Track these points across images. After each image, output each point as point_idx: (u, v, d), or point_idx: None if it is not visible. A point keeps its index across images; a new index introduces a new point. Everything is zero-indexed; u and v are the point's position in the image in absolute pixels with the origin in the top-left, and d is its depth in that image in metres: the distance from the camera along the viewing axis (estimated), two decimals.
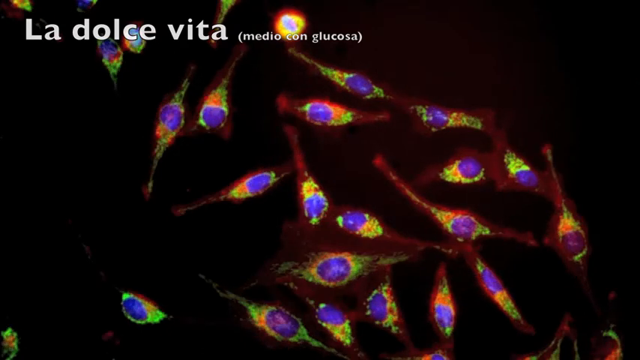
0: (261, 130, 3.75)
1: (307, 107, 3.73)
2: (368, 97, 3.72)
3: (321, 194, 3.71)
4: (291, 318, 3.67)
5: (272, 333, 3.66)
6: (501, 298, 3.67)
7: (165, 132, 3.75)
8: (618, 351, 3.61)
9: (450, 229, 3.67)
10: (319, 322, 3.67)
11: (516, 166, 3.69)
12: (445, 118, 3.70)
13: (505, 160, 3.70)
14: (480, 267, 3.66)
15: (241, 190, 3.73)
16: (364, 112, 3.73)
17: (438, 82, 3.71)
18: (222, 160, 3.76)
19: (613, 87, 3.70)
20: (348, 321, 3.67)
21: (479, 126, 3.70)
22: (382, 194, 3.71)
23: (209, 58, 3.77)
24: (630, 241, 3.68)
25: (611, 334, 3.61)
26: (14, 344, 3.73)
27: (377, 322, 3.67)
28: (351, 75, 3.71)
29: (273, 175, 3.72)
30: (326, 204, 3.70)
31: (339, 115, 3.72)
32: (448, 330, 3.66)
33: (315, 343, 3.66)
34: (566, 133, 3.70)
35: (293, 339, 3.67)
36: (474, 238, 3.67)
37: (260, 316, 3.67)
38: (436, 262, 3.70)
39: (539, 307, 3.68)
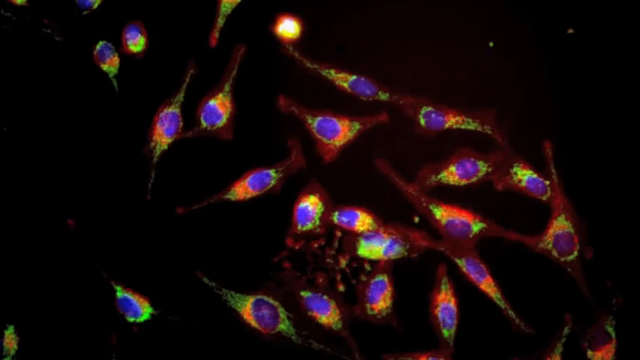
0: (261, 130, 3.78)
1: (317, 119, 3.74)
2: (371, 99, 3.73)
3: (311, 203, 3.71)
4: (274, 309, 3.66)
5: (256, 324, 3.67)
6: (487, 286, 3.62)
7: (163, 137, 3.78)
8: (611, 347, 3.55)
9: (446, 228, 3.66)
10: (306, 312, 3.66)
11: (524, 174, 3.66)
12: (443, 120, 3.69)
13: (511, 167, 3.67)
14: (460, 260, 3.63)
15: (244, 189, 3.74)
16: (365, 115, 3.73)
17: (438, 84, 3.71)
18: (222, 161, 3.79)
19: (613, 87, 3.67)
20: (335, 309, 3.65)
21: (479, 128, 3.69)
22: (382, 194, 3.71)
23: (208, 61, 3.81)
24: (627, 242, 3.63)
25: (609, 328, 3.55)
26: (14, 344, 3.76)
27: (367, 305, 3.64)
28: (354, 77, 3.73)
29: (274, 172, 3.73)
30: (317, 211, 3.70)
31: (345, 133, 3.73)
32: (447, 332, 3.62)
33: (293, 336, 3.65)
34: (565, 134, 3.67)
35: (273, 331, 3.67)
36: (471, 236, 3.65)
37: (246, 307, 3.67)
38: (436, 261, 3.69)
39: (536, 307, 3.65)
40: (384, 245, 3.65)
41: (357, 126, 3.73)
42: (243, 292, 3.72)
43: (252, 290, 3.71)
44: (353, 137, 3.74)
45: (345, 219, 3.70)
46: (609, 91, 3.66)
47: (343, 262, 3.68)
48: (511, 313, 3.63)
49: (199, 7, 3.82)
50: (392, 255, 3.65)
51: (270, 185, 3.73)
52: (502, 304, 3.64)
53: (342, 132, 3.73)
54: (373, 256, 3.66)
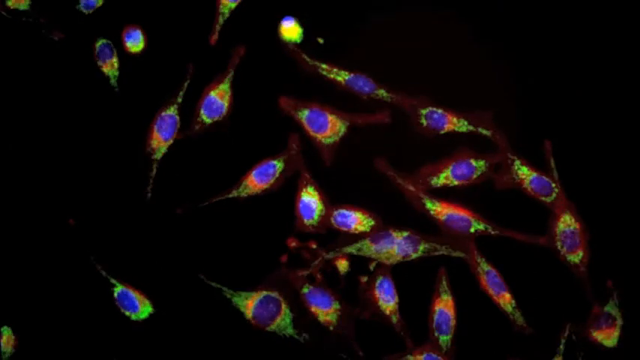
0: (261, 128, 3.77)
1: (306, 112, 3.74)
2: (370, 96, 3.74)
3: (312, 197, 3.69)
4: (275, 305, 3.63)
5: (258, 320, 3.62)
6: (504, 300, 3.60)
7: (160, 141, 3.76)
8: (616, 330, 3.52)
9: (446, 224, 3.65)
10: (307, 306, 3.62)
11: (528, 173, 3.66)
12: (444, 120, 3.70)
13: (514, 167, 3.68)
14: (485, 266, 3.60)
15: (252, 184, 3.71)
16: (363, 114, 3.74)
17: (439, 84, 3.74)
18: (223, 159, 3.77)
19: (613, 88, 3.72)
20: (336, 304, 3.61)
21: (479, 129, 3.71)
22: (381, 194, 3.70)
23: (209, 62, 3.82)
24: (629, 241, 3.63)
25: (611, 309, 3.53)
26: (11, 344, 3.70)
27: (384, 304, 3.61)
28: (351, 75, 3.74)
29: (278, 163, 3.71)
30: (318, 207, 3.67)
31: (334, 129, 3.73)
32: (444, 338, 3.58)
33: (290, 331, 3.59)
34: (566, 134, 3.70)
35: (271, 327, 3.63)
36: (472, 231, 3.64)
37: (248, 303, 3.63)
38: (437, 262, 3.68)
39: (538, 308, 3.64)
40: (396, 245, 3.62)
41: (343, 127, 3.73)
42: (245, 290, 3.69)
43: (255, 288, 3.68)
44: (344, 135, 3.74)
45: (340, 219, 3.68)
46: (609, 92, 3.71)
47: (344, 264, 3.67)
48: (520, 319, 3.61)
49: (199, 6, 3.84)
50: (408, 252, 3.62)
51: (277, 175, 3.71)
52: (516, 314, 3.62)
53: (330, 128, 3.73)
54: (390, 259, 3.64)
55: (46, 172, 3.79)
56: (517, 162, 3.67)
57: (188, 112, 3.79)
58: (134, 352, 3.69)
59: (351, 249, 3.64)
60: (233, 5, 3.82)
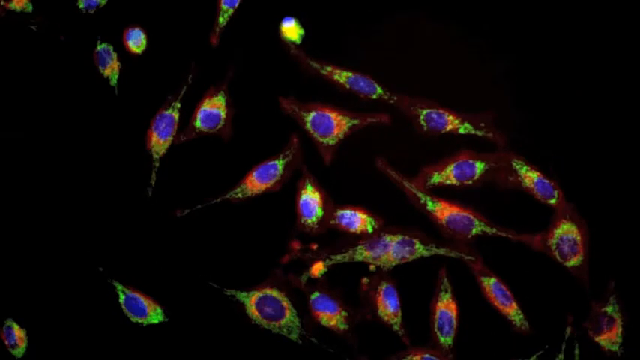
0: (260, 131, 3.77)
1: (311, 115, 3.74)
2: (371, 97, 3.72)
3: (313, 196, 3.71)
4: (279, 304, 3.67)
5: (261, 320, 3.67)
6: (510, 310, 3.64)
7: (158, 141, 3.77)
8: (617, 330, 3.56)
9: (446, 225, 3.66)
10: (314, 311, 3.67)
11: (532, 175, 3.66)
12: (444, 122, 3.69)
13: (515, 168, 3.67)
14: (489, 279, 3.63)
15: (252, 185, 3.74)
16: (364, 114, 3.73)
17: (440, 85, 3.72)
18: (221, 162, 3.78)
19: (613, 89, 3.67)
20: (342, 311, 3.66)
21: (478, 131, 3.70)
22: (382, 194, 3.71)
23: (209, 62, 3.81)
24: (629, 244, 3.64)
25: (611, 310, 3.56)
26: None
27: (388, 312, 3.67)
28: (352, 76, 3.73)
29: (280, 162, 3.73)
30: (318, 207, 3.70)
31: (341, 128, 3.72)
32: (447, 339, 3.64)
33: (294, 336, 3.66)
34: (567, 136, 3.68)
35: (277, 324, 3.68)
36: (472, 234, 3.66)
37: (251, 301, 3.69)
38: (438, 263, 3.70)
39: (538, 310, 3.66)
40: (392, 250, 3.65)
41: (349, 125, 3.73)
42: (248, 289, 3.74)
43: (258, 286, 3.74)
44: (348, 135, 3.74)
45: (344, 221, 3.71)
46: (610, 93, 3.67)
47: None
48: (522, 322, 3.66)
49: (200, 7, 3.82)
50: (405, 255, 3.65)
51: (278, 176, 3.74)
52: (520, 320, 3.66)
53: (336, 130, 3.73)
54: (388, 263, 3.67)
55: (46, 173, 3.84)
56: (519, 163, 3.67)
57: (188, 113, 3.81)
58: (135, 353, 3.80)
59: (348, 256, 3.68)
60: (225, 8, 3.79)
